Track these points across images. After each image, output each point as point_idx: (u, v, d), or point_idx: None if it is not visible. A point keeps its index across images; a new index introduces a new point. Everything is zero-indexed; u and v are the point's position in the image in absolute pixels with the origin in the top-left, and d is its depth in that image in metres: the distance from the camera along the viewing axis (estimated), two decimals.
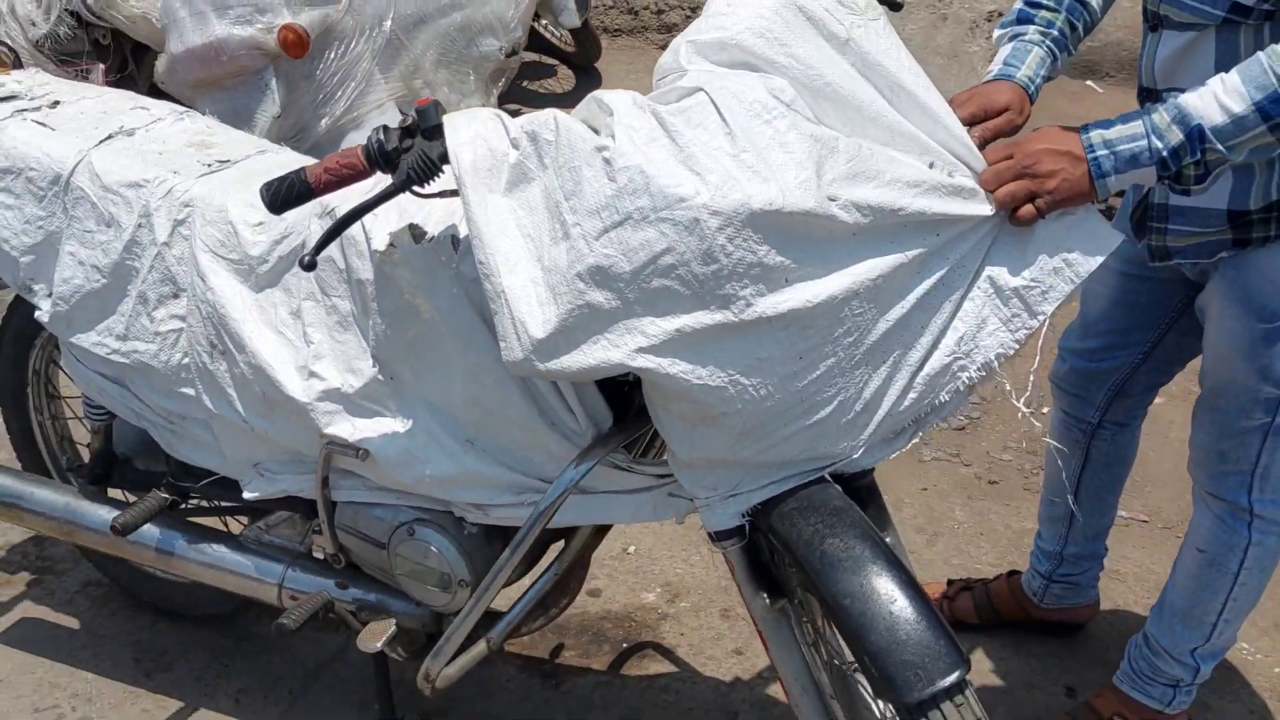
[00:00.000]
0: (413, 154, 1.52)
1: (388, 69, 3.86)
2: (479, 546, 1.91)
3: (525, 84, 5.20)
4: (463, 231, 1.67)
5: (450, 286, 1.67)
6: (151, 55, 3.82)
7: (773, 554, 1.72)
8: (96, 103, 2.23)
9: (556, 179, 1.42)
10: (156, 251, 1.97)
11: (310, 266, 1.55)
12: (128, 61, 3.82)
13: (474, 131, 1.51)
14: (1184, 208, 1.85)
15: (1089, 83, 5.29)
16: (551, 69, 5.33)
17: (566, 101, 5.25)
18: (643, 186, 1.38)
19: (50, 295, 2.09)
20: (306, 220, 1.87)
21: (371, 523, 1.96)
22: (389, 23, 3.83)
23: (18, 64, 3.48)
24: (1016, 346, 1.59)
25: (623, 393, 1.74)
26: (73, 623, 2.59)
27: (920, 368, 1.57)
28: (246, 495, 2.05)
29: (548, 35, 5.18)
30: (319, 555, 2.14)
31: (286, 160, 2.11)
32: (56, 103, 2.19)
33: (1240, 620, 2.10)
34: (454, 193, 1.56)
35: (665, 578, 2.71)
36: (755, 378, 1.46)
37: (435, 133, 1.52)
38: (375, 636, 1.96)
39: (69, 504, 2.30)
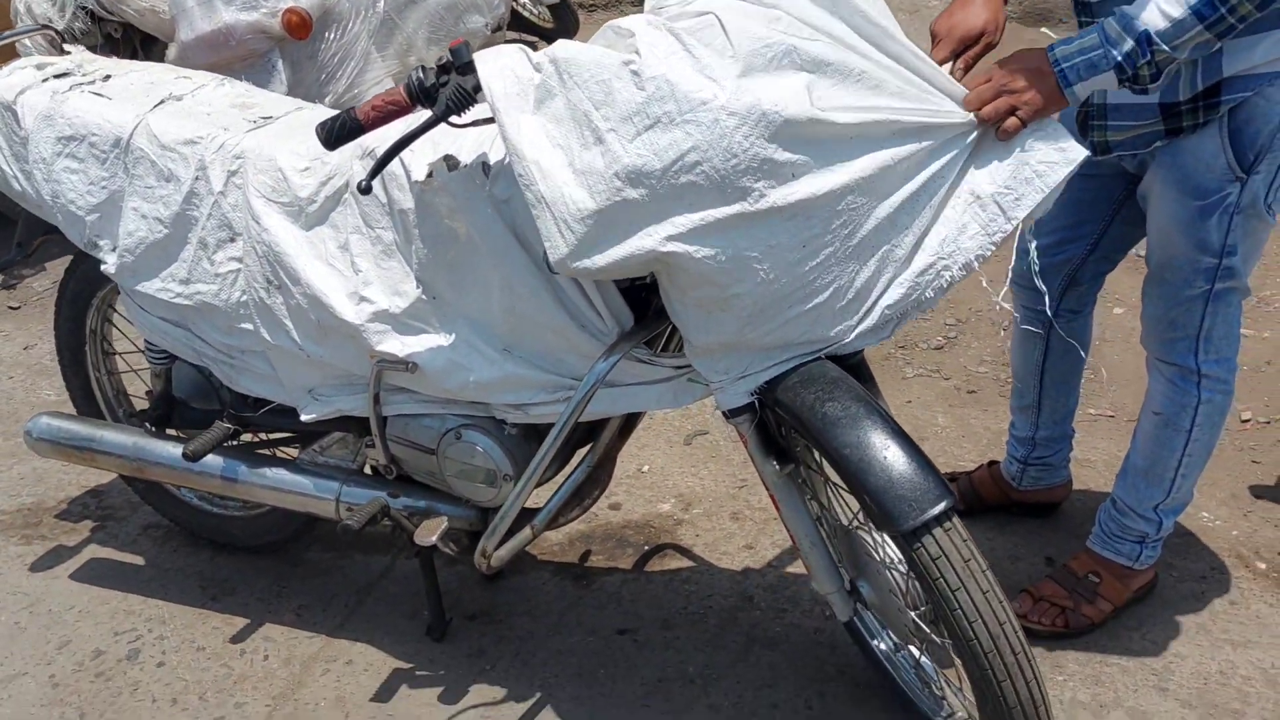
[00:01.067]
0: (449, 87, 1.76)
1: (383, 48, 4.09)
2: (519, 444, 2.15)
3: None
4: (493, 157, 1.91)
5: (484, 208, 1.90)
6: (159, 45, 4.03)
7: (780, 426, 1.97)
8: (143, 74, 2.46)
9: (583, 92, 1.65)
10: (213, 200, 2.20)
11: (366, 190, 1.80)
12: (138, 52, 4.03)
13: (501, 63, 1.74)
14: (1120, 104, 2.09)
15: (1044, 29, 5.55)
16: (531, 45, 5.54)
17: None
18: (669, 93, 1.61)
19: (115, 249, 2.32)
20: (349, 162, 2.10)
21: (420, 431, 2.20)
22: (382, 3, 4.06)
23: (63, 47, 3.68)
24: (993, 249, 1.83)
25: (641, 296, 1.98)
26: (138, 560, 2.82)
27: (906, 264, 1.81)
28: (304, 417, 2.28)
29: (525, 13, 5.41)
30: (370, 471, 2.39)
31: (321, 114, 2.34)
32: (108, 76, 2.42)
33: (1195, 475, 2.35)
34: (487, 121, 1.80)
35: (678, 490, 2.95)
36: (766, 262, 1.70)
37: (467, 68, 1.75)
38: (430, 531, 2.20)
39: (137, 443, 2.54)
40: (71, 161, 2.31)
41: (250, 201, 2.17)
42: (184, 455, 2.37)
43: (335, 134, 1.81)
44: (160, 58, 4.01)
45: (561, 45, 1.70)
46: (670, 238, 1.66)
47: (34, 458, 3.20)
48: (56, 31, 3.28)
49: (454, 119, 1.79)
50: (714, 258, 1.68)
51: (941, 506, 1.73)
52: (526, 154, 1.68)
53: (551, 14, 5.30)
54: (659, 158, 1.61)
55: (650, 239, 1.66)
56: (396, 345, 2.08)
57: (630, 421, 2.25)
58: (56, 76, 2.42)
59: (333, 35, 3.89)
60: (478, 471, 2.16)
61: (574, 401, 1.95)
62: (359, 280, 2.10)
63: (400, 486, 2.33)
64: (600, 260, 1.67)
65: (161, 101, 2.31)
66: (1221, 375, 2.24)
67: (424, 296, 2.06)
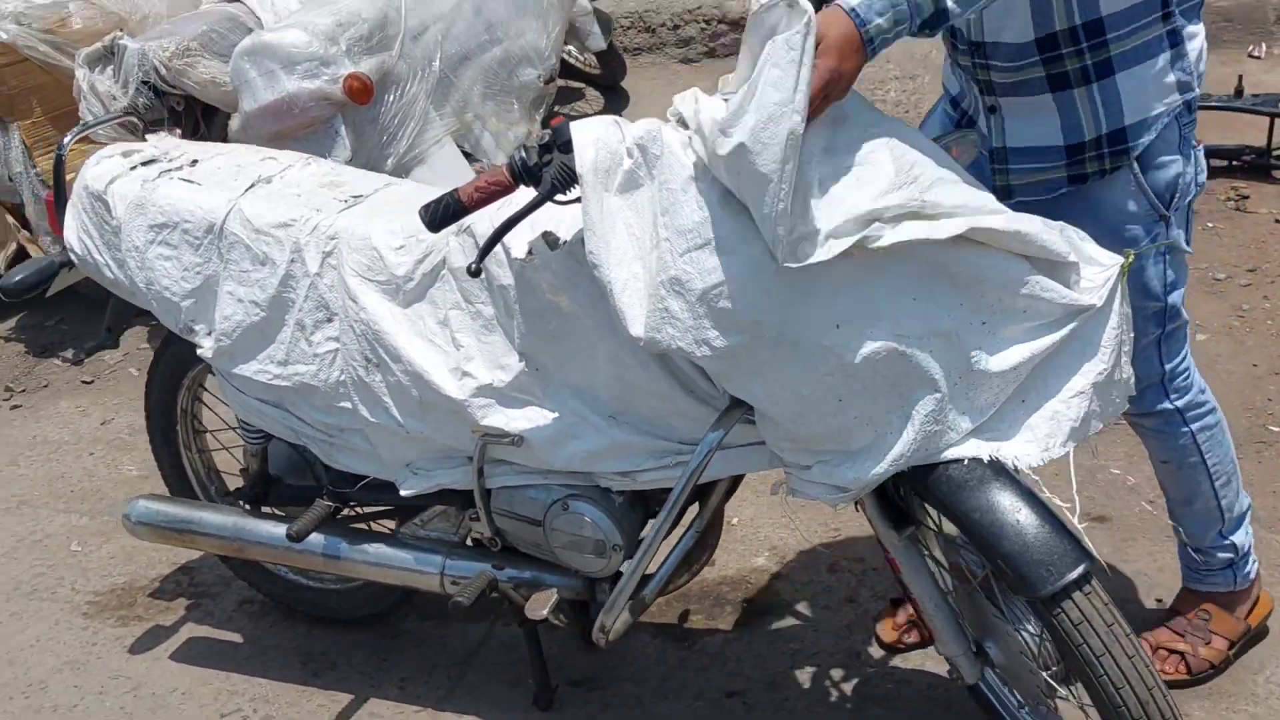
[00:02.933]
0: (553, 166, 1.76)
1: (440, 106, 4.10)
2: (626, 514, 2.14)
3: (557, 108, 5.43)
4: None
5: (589, 282, 1.89)
6: (221, 116, 4.05)
7: (898, 488, 1.94)
8: (229, 158, 2.47)
9: (659, 193, 1.69)
10: (310, 282, 2.20)
11: (476, 273, 1.80)
12: (199, 124, 4.06)
13: (596, 134, 1.74)
14: (1022, 148, 2.06)
15: None
16: (580, 92, 5.57)
17: None
18: (726, 218, 1.66)
19: (211, 333, 2.33)
20: (445, 239, 2.10)
21: (526, 503, 2.18)
22: (437, 63, 4.07)
23: (143, 132, 3.73)
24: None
25: None
26: (236, 637, 2.82)
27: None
28: (404, 492, 2.27)
29: (573, 61, 5.42)
30: (472, 543, 2.37)
31: (409, 190, 2.35)
32: (195, 161, 2.43)
33: (1235, 484, 2.30)
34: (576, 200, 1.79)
35: (771, 543, 2.92)
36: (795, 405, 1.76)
37: (569, 147, 1.75)
38: (541, 604, 2.18)
39: (237, 523, 2.54)
40: (165, 249, 2.32)
41: (346, 281, 2.17)
42: (288, 536, 2.36)
43: (439, 216, 1.81)
44: (223, 128, 4.04)
45: (655, 133, 1.71)
46: (708, 357, 1.72)
47: (123, 536, 3.19)
48: (138, 117, 3.32)
49: (559, 197, 1.78)
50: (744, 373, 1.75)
51: (1080, 570, 1.69)
52: (601, 234, 1.71)
53: (599, 60, 5.30)
54: (701, 279, 1.67)
55: (695, 352, 1.71)
56: (501, 419, 2.07)
57: (735, 483, 2.22)
58: (144, 164, 2.44)
59: (392, 97, 3.90)
60: (586, 542, 2.14)
61: (691, 467, 1.93)
62: (460, 356, 2.09)
63: (505, 558, 2.31)
64: (642, 339, 1.72)
65: (252, 185, 2.32)
66: (1199, 401, 2.22)
67: (527, 369, 2.05)
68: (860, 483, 1.80)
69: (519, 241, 1.97)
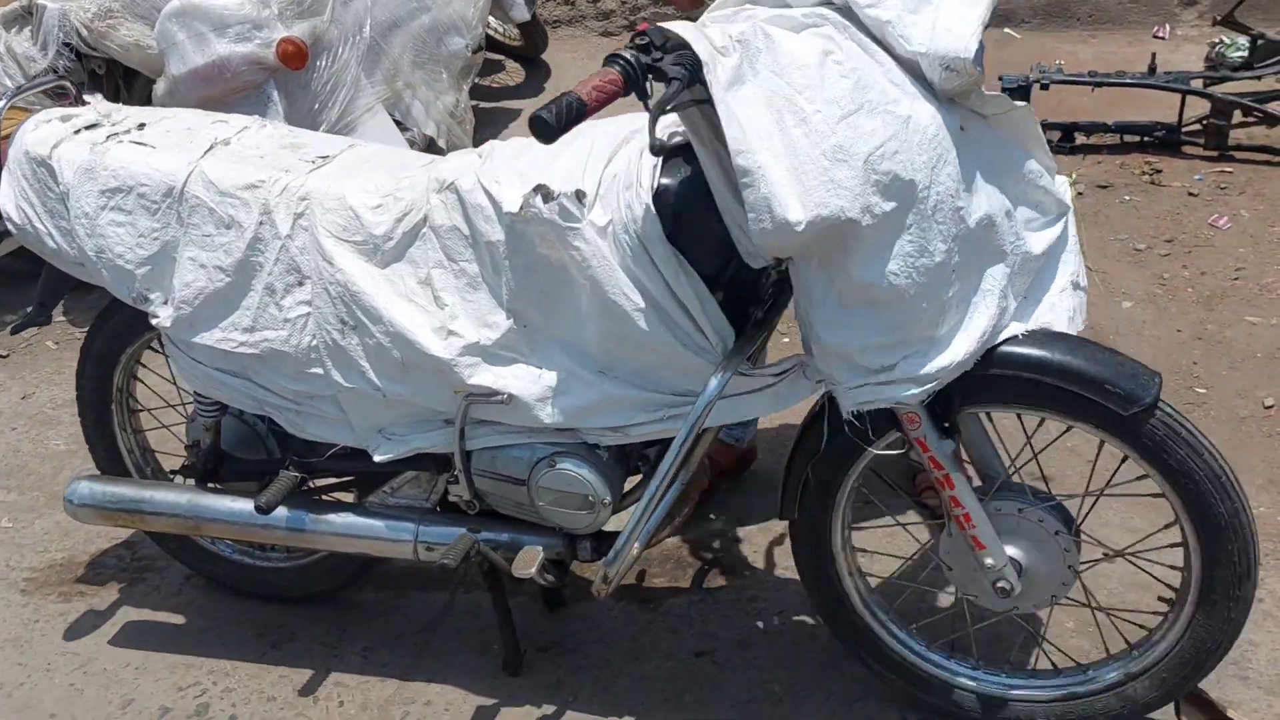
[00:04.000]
0: (670, 61, 1.70)
1: (371, 73, 4.03)
2: (613, 468, 2.14)
3: (478, 80, 5.38)
4: (586, 185, 1.90)
5: (583, 235, 1.89)
6: (142, 80, 3.93)
7: (948, 396, 1.95)
8: (176, 121, 2.39)
9: (783, 79, 1.69)
10: (280, 244, 2.15)
11: (659, 150, 1.81)
12: (120, 89, 3.93)
13: (697, 32, 1.70)
14: None
15: (1007, 30, 5.64)
16: (500, 64, 5.52)
17: (520, 94, 5.46)
18: (870, 84, 1.69)
19: (168, 301, 2.26)
20: (425, 197, 2.07)
21: (510, 463, 2.17)
22: (368, 29, 4.00)
23: (79, 98, 3.60)
24: None
25: (739, 313, 1.98)
26: (185, 612, 2.74)
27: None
28: (377, 458, 2.24)
29: (494, 33, 5.37)
30: (443, 508, 2.34)
31: (375, 150, 2.31)
32: (142, 124, 2.35)
33: None
34: (696, 102, 1.76)
35: (728, 506, 2.94)
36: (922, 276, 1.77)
37: (674, 46, 1.71)
38: (528, 563, 2.17)
39: (192, 500, 2.47)
40: (118, 214, 2.24)
41: (320, 242, 2.12)
42: (257, 508, 2.30)
43: (563, 118, 1.67)
44: (145, 93, 3.92)
45: (754, 30, 1.70)
46: (871, 225, 1.72)
47: (56, 511, 3.11)
48: (72, 82, 3.20)
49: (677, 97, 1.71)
50: (888, 245, 1.74)
51: (1158, 381, 1.89)
52: (744, 122, 1.68)
53: (521, 32, 5.27)
54: (863, 141, 1.68)
55: (852, 209, 1.70)
56: (489, 377, 2.05)
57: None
58: (87, 128, 2.35)
59: (324, 63, 3.83)
60: (574, 498, 2.13)
61: (692, 417, 1.94)
62: (445, 314, 2.07)
63: (481, 521, 2.29)
64: (803, 231, 1.68)
65: (210, 147, 2.25)
66: None
67: (515, 326, 2.04)
68: (949, 369, 1.83)
69: (510, 196, 1.96)
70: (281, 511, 2.38)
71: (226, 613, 2.73)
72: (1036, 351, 1.88)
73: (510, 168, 2.01)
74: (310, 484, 2.51)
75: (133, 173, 2.22)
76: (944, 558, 2.11)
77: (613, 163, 1.94)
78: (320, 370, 2.19)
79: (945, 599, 2.51)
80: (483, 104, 4.91)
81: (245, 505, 2.41)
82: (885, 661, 2.25)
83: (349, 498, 2.54)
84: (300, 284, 2.17)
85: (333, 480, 2.53)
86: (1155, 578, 2.20)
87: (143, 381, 2.71)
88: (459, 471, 2.20)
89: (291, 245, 2.15)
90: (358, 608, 2.72)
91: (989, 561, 2.05)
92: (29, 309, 2.61)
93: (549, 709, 2.40)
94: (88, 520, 2.56)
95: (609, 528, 2.22)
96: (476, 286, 2.06)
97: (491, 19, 5.26)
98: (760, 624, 2.57)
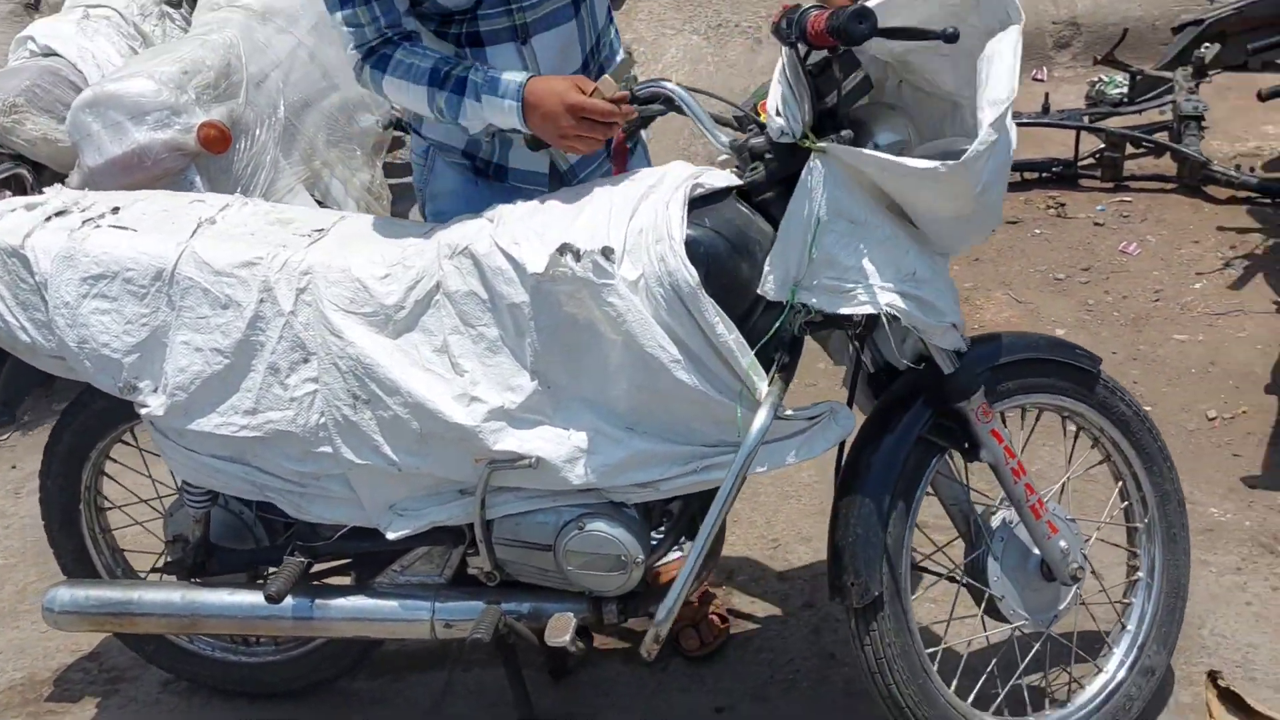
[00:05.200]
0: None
1: (289, 154, 3.96)
2: (642, 526, 2.11)
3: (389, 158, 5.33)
4: (613, 243, 1.90)
5: (615, 291, 1.88)
6: (48, 175, 3.79)
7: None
8: (150, 203, 2.30)
9: None
10: (284, 321, 2.08)
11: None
12: (29, 185, 3.77)
13: None
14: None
15: None
16: (401, 140, 5.46)
17: None
18: None
19: (159, 389, 2.16)
20: (436, 265, 2.04)
21: (534, 529, 2.12)
22: (282, 109, 3.93)
23: (35, 186, 3.44)
24: None
25: (762, 358, 1.99)
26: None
27: None
28: (391, 535, 2.16)
29: (395, 110, 5.31)
30: (458, 581, 2.28)
31: (369, 220, 2.26)
32: (116, 208, 2.26)
33: None
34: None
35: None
36: None
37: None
38: (562, 630, 2.11)
39: (185, 597, 2.34)
40: (102, 302, 2.14)
41: (327, 316, 2.06)
42: (268, 598, 2.20)
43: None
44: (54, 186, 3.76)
45: None
46: None
47: (4, 630, 2.93)
48: (28, 168, 3.07)
49: None
50: None
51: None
52: None
53: None
54: None
55: None
56: (514, 442, 2.01)
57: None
58: (57, 215, 2.25)
59: (243, 146, 3.74)
60: (606, 560, 2.09)
61: (740, 459, 1.92)
62: (465, 381, 2.02)
63: (499, 592, 2.23)
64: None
65: (198, 227, 2.17)
66: None
67: (539, 387, 2.01)
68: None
69: (533, 256, 1.94)
70: (287, 601, 2.28)
71: (214, 715, 2.60)
72: (1022, 340, 2.21)
73: (526, 228, 1.99)
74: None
75: (117, 258, 2.13)
76: (994, 585, 2.13)
77: (636, 217, 1.93)
78: (329, 449, 2.11)
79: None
80: (391, 180, 4.85)
81: (246, 597, 2.30)
82: None
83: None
84: (306, 361, 2.09)
85: (329, 565, 2.43)
86: (1121, 546, 2.42)
87: (113, 478, 2.57)
88: (480, 542, 2.14)
89: (295, 321, 2.08)
90: (355, 697, 2.62)
91: (1062, 544, 2.11)
92: None
93: None
94: (70, 628, 2.42)
95: None
96: (496, 350, 2.02)
97: None
98: (774, 675, 2.56)
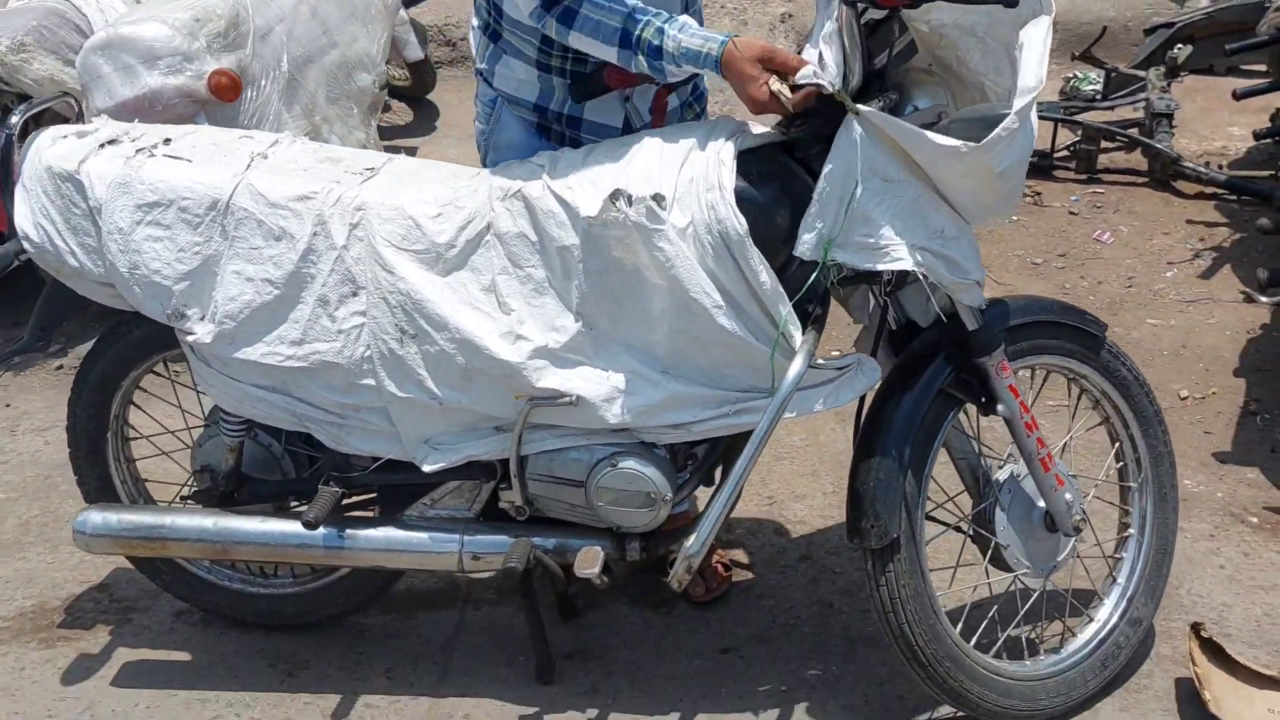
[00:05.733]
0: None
1: (291, 107, 3.99)
2: (670, 465, 2.21)
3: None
4: (665, 189, 1.99)
5: (665, 237, 1.98)
6: (49, 116, 3.79)
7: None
8: (200, 136, 2.36)
9: None
10: (336, 255, 2.15)
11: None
12: (29, 126, 3.77)
13: None
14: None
15: None
16: (387, 105, 5.52)
17: (410, 133, 5.47)
18: None
19: (206, 317, 2.22)
20: (488, 205, 2.12)
21: (568, 465, 2.21)
22: (285, 63, 3.97)
23: (81, 114, 3.45)
24: None
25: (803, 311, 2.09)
26: (184, 650, 2.64)
27: None
28: (426, 468, 2.25)
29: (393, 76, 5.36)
30: (486, 516, 2.36)
31: (418, 163, 2.34)
32: (168, 139, 2.31)
33: None
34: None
35: None
36: None
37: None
38: (590, 562, 2.21)
39: (218, 523, 2.40)
40: (155, 229, 2.19)
41: (379, 251, 2.13)
42: (305, 524, 2.27)
43: None
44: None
45: None
46: None
47: (11, 559, 2.97)
48: (75, 99, 3.09)
49: None
50: None
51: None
52: None
53: (411, 71, 5.29)
54: None
55: None
56: (557, 380, 2.10)
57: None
58: (110, 143, 2.29)
59: (248, 95, 3.77)
60: (636, 497, 2.19)
61: (776, 402, 2.02)
62: (512, 320, 2.11)
63: (526, 527, 2.32)
64: None
65: (251, 161, 2.23)
66: None
67: (583, 329, 2.10)
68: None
69: (586, 201, 2.03)
70: (319, 531, 2.35)
71: (230, 645, 2.66)
72: (1036, 302, 2.37)
73: (579, 174, 2.08)
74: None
75: (173, 186, 2.18)
76: (1000, 534, 2.26)
77: (687, 166, 2.03)
78: (372, 381, 2.19)
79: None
80: (384, 142, 4.92)
81: (280, 524, 2.38)
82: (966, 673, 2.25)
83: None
84: (355, 294, 2.17)
85: (359, 499, 2.50)
86: (1113, 502, 2.58)
87: (141, 408, 2.62)
88: (514, 476, 2.23)
89: (347, 255, 2.15)
90: (368, 632, 2.69)
91: (1068, 497, 2.25)
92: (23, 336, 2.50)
93: (592, 712, 2.43)
94: (101, 550, 2.47)
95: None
96: (543, 291, 2.11)
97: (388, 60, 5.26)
98: (776, 620, 2.67)
